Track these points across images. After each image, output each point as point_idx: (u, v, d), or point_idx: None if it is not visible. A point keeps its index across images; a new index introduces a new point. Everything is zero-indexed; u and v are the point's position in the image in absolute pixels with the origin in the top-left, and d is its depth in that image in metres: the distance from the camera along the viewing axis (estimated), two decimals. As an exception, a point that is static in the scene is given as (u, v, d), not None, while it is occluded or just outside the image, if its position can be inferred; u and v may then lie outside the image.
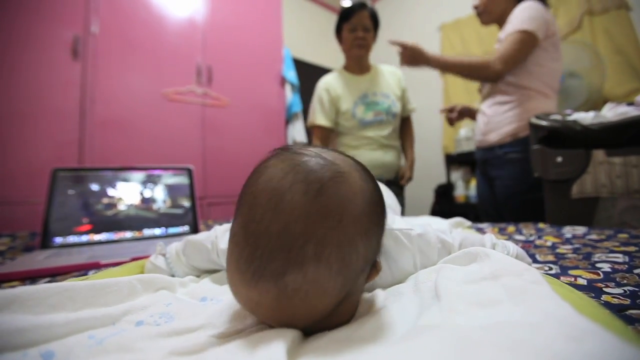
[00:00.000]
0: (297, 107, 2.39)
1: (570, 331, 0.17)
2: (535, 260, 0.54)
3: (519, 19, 1.03)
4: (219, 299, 0.35)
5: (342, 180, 0.25)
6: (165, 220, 0.94)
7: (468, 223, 0.82)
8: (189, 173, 1.03)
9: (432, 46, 2.81)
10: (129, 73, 1.63)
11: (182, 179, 1.01)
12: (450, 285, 0.26)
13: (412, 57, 1.17)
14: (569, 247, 0.63)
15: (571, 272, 0.47)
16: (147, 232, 0.89)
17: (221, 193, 1.90)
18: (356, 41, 1.29)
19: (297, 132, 2.36)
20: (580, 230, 0.75)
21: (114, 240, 0.84)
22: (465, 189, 2.48)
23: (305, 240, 0.22)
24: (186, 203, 0.99)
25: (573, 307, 0.21)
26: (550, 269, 0.49)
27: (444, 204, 2.51)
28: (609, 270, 0.47)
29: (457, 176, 2.64)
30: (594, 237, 0.69)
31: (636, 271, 0.45)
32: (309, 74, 2.73)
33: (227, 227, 0.44)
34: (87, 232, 0.81)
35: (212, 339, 0.24)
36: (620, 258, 0.52)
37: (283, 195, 0.23)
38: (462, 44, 2.54)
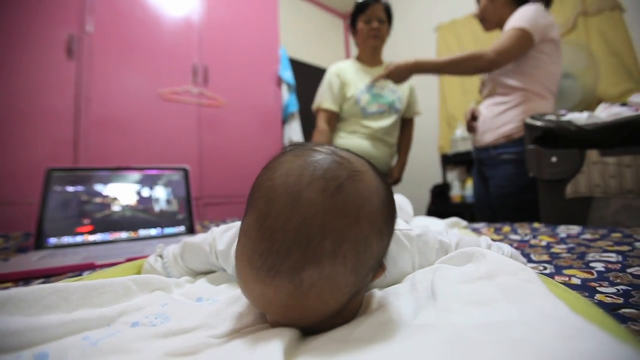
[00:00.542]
0: (294, 107, 2.39)
1: (566, 330, 0.17)
2: (530, 260, 0.55)
3: (518, 17, 1.04)
4: (215, 299, 0.34)
5: (359, 179, 0.25)
6: (161, 220, 0.93)
7: (464, 223, 0.82)
8: (185, 173, 1.03)
9: (428, 47, 2.82)
10: (124, 72, 1.62)
11: (178, 179, 1.01)
12: (446, 285, 0.26)
13: (398, 75, 1.17)
14: (564, 246, 0.63)
15: (565, 271, 0.47)
16: (143, 232, 0.89)
17: (217, 193, 1.90)
18: (371, 32, 1.33)
19: (293, 132, 2.36)
20: (574, 229, 0.76)
21: (109, 241, 0.83)
22: (461, 189, 2.49)
23: (323, 236, 0.22)
24: (182, 203, 0.99)
25: (568, 306, 0.21)
26: (545, 268, 0.50)
27: (440, 204, 2.52)
28: (603, 269, 0.47)
29: (453, 176, 2.65)
30: (588, 236, 0.70)
31: (629, 270, 0.46)
32: (305, 74, 2.72)
33: (224, 227, 0.44)
34: (81, 233, 0.81)
35: (208, 339, 0.24)
36: (613, 257, 0.53)
37: (301, 191, 0.23)
38: (458, 45, 2.55)
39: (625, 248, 0.58)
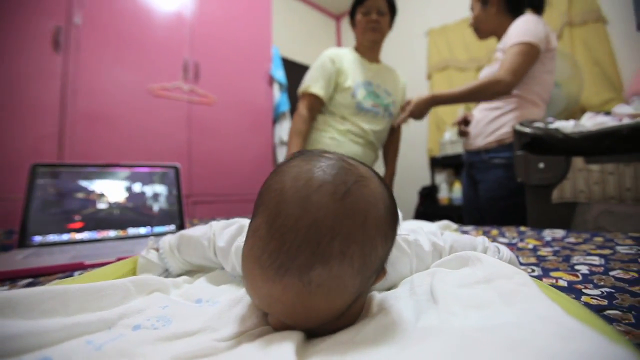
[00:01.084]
0: (285, 107, 2.38)
1: (563, 332, 0.18)
2: (518, 262, 0.56)
3: (522, 31, 1.05)
4: (215, 301, 0.34)
5: (365, 185, 0.26)
6: (150, 219, 0.92)
7: (455, 226, 0.84)
8: (176, 171, 1.02)
9: (419, 51, 2.86)
10: (113, 66, 1.58)
11: (168, 177, 0.99)
12: (446, 288, 0.27)
13: (419, 112, 1.18)
14: (549, 249, 0.65)
15: (552, 274, 0.49)
16: (132, 231, 0.87)
17: (207, 192, 1.88)
18: (370, 24, 1.23)
19: (284, 132, 2.36)
20: (559, 233, 0.79)
21: (97, 240, 0.81)
22: (449, 191, 2.54)
23: (332, 236, 0.23)
24: (172, 201, 0.97)
25: (562, 308, 0.22)
26: (533, 270, 0.51)
27: (428, 206, 2.57)
28: (587, 272, 0.49)
29: (441, 179, 2.70)
30: (572, 240, 0.72)
31: (612, 273, 0.48)
32: (297, 74, 2.71)
33: (224, 223, 0.44)
34: (68, 231, 0.79)
35: (214, 342, 0.24)
36: (596, 260, 0.55)
37: (311, 194, 0.24)
38: (448, 50, 2.60)
39: (607, 252, 0.60)
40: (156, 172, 0.98)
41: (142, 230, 0.89)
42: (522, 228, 0.86)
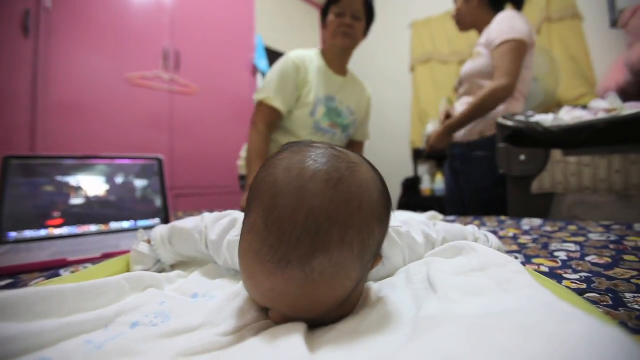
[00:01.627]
0: (270, 97, 2.34)
1: (559, 315, 0.19)
2: (504, 250, 0.59)
3: (507, 27, 1.06)
4: (211, 295, 0.34)
5: (357, 170, 0.26)
6: (133, 212, 0.89)
7: (441, 217, 0.87)
8: (159, 163, 0.99)
9: (402, 42, 2.87)
10: (87, 53, 1.50)
11: (151, 169, 0.96)
12: (443, 277, 0.28)
13: (437, 143, 1.23)
14: (528, 237, 0.69)
15: (534, 260, 0.52)
16: (115, 225, 0.85)
17: (189, 184, 1.84)
18: (341, 28, 1.07)
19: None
20: (536, 222, 0.83)
21: (77, 234, 0.78)
22: (431, 182, 2.60)
23: (330, 224, 0.23)
24: (156, 194, 0.95)
25: (553, 294, 0.24)
26: (516, 257, 0.54)
27: (411, 197, 2.62)
28: (565, 258, 0.52)
29: (423, 170, 2.76)
30: (548, 228, 0.76)
31: (587, 259, 0.51)
32: (281, 64, 2.68)
33: (216, 215, 0.43)
34: (46, 226, 0.75)
35: (217, 337, 0.24)
36: (572, 247, 0.58)
37: (305, 184, 0.24)
38: (431, 42, 2.62)
39: (581, 239, 0.64)
40: (138, 164, 0.94)
41: (125, 224, 0.86)
42: (502, 217, 0.90)
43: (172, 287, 0.37)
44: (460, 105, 1.24)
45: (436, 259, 0.34)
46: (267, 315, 0.28)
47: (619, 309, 0.33)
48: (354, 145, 1.31)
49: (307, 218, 0.23)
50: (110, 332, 0.24)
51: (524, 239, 0.68)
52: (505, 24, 1.07)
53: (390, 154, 2.89)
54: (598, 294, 0.37)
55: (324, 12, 1.14)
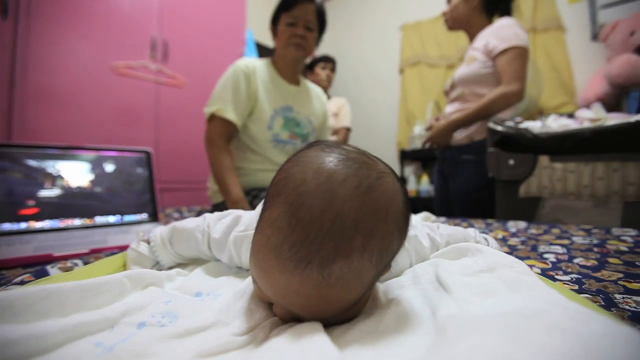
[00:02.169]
0: (259, 93, 2.31)
1: (575, 315, 0.19)
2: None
3: (510, 34, 1.09)
4: (216, 294, 0.33)
5: (386, 180, 0.26)
6: (120, 207, 0.86)
7: (433, 217, 0.88)
8: (147, 156, 0.96)
9: (393, 45, 2.90)
10: (69, 38, 1.43)
11: (139, 163, 0.93)
12: (454, 277, 0.28)
13: (438, 137, 1.21)
14: (517, 239, 0.71)
15: (525, 262, 0.53)
16: (100, 219, 0.81)
17: (175, 179, 1.79)
18: (293, 38, 1.02)
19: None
20: (521, 225, 0.86)
21: (60, 229, 0.75)
22: (417, 183, 2.64)
23: (355, 231, 0.23)
24: (144, 189, 0.92)
25: (561, 294, 0.24)
26: (509, 260, 0.55)
27: (397, 197, 2.65)
28: (555, 260, 0.54)
29: (409, 171, 2.80)
30: (533, 231, 0.79)
31: (575, 261, 0.53)
32: (271, 60, 2.64)
33: (218, 215, 0.43)
34: (26, 219, 0.71)
35: (233, 337, 0.23)
36: (560, 249, 0.61)
37: (336, 188, 0.24)
38: (421, 46, 2.66)
39: (566, 242, 0.67)
40: (126, 156, 0.91)
41: (112, 219, 0.83)
42: (489, 220, 0.93)
43: (174, 286, 0.36)
44: (453, 110, 1.27)
45: (442, 261, 0.34)
46: (273, 312, 0.28)
47: (612, 309, 0.34)
48: None
49: (334, 222, 0.23)
50: (118, 334, 0.23)
51: (513, 241, 0.70)
52: (510, 31, 1.09)
53: (377, 154, 2.82)
54: (590, 294, 0.39)
55: (274, 20, 1.08)
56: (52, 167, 0.78)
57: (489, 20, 1.21)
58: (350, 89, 3.06)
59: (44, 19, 1.35)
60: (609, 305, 0.36)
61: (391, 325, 0.23)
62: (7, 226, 0.69)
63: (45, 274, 0.43)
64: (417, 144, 2.58)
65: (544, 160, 0.87)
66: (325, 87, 2.22)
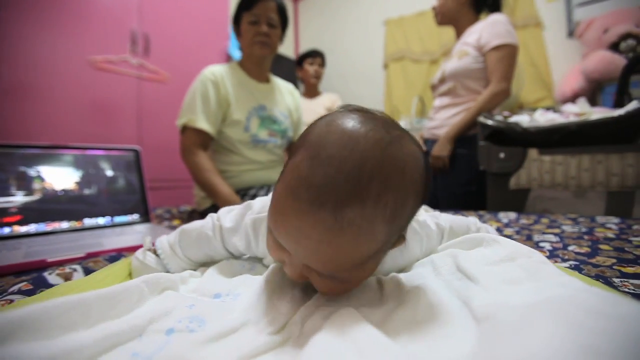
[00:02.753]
0: (244, 89, 2.27)
1: (604, 299, 0.20)
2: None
3: (501, 32, 1.12)
4: (235, 294, 0.33)
5: (407, 141, 0.28)
6: (109, 208, 0.83)
7: (430, 209, 0.90)
8: (136, 155, 0.92)
9: (376, 40, 2.91)
10: (45, 30, 1.35)
11: (128, 162, 0.90)
12: (478, 267, 0.29)
13: (441, 150, 1.21)
14: (511, 230, 0.73)
15: (524, 251, 0.55)
16: (89, 221, 0.78)
17: (159, 177, 1.73)
18: (258, 37, 1.02)
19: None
20: (512, 215, 0.89)
21: (47, 232, 0.71)
22: (403, 177, 2.68)
23: (371, 177, 0.24)
24: (134, 189, 0.89)
25: (581, 281, 0.25)
26: (508, 249, 0.57)
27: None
28: (551, 248, 0.56)
29: (395, 166, 2.84)
30: (524, 221, 0.82)
31: (570, 248, 0.56)
32: (255, 55, 2.60)
33: (227, 208, 0.43)
34: (9, 224, 0.67)
35: (269, 337, 0.23)
36: (553, 238, 0.63)
37: (358, 138, 0.25)
38: (405, 41, 2.69)
39: (557, 230, 0.70)
40: (113, 155, 0.88)
41: (101, 220, 0.80)
42: (481, 212, 0.96)
43: (189, 288, 0.35)
44: (442, 105, 1.29)
45: (460, 251, 0.35)
46: (299, 305, 0.28)
47: (615, 293, 0.36)
48: None
49: (353, 168, 0.23)
50: (149, 342, 0.22)
51: (507, 231, 0.72)
52: (502, 28, 1.12)
53: (363, 149, 2.93)
54: (591, 279, 0.41)
55: (236, 19, 1.08)
56: (35, 168, 0.74)
57: (477, 16, 1.24)
58: (335, 84, 3.06)
59: (17, 9, 1.26)
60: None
61: (427, 315, 0.24)
62: (-11, 231, 0.65)
63: (43, 281, 0.41)
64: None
65: (533, 153, 0.90)
66: (315, 83, 2.21)
